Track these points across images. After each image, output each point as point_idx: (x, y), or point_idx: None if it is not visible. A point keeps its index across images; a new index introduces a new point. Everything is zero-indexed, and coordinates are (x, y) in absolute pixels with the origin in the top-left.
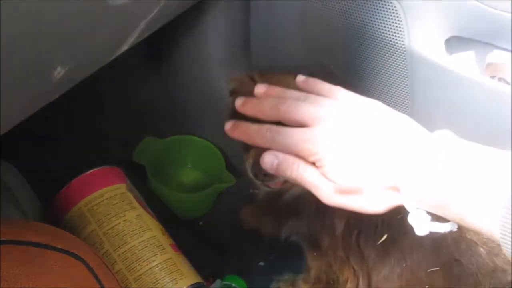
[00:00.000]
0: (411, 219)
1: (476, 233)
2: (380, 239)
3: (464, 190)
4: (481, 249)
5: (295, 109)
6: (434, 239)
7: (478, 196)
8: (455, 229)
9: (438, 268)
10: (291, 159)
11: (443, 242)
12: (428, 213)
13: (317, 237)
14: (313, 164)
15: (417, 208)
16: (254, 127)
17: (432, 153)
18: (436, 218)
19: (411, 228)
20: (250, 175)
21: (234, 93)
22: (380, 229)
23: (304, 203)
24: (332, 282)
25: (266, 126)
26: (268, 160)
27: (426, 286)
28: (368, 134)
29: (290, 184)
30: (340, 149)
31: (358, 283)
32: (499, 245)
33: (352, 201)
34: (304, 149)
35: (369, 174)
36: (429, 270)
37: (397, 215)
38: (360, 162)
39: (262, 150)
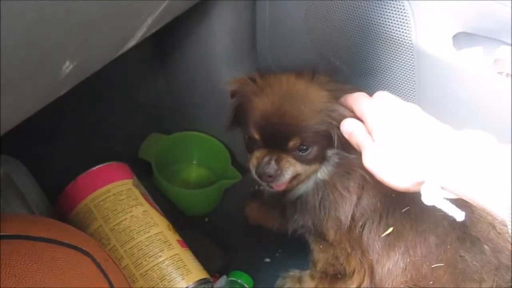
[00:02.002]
0: (423, 188)
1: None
2: (385, 232)
3: (479, 178)
4: (485, 246)
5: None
6: (438, 236)
7: (492, 182)
8: (460, 219)
9: (442, 264)
10: (361, 128)
11: (447, 238)
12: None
13: (322, 230)
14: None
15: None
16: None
17: (454, 146)
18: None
19: (415, 222)
20: (255, 176)
21: (235, 95)
22: (384, 222)
23: (308, 201)
24: (339, 276)
25: (365, 97)
26: (348, 125)
27: (431, 282)
28: (408, 124)
29: (295, 184)
30: (387, 128)
31: (365, 274)
32: (503, 241)
33: (383, 171)
34: (369, 117)
35: (400, 150)
36: (433, 266)
37: (402, 209)
38: (396, 139)
39: (265, 153)
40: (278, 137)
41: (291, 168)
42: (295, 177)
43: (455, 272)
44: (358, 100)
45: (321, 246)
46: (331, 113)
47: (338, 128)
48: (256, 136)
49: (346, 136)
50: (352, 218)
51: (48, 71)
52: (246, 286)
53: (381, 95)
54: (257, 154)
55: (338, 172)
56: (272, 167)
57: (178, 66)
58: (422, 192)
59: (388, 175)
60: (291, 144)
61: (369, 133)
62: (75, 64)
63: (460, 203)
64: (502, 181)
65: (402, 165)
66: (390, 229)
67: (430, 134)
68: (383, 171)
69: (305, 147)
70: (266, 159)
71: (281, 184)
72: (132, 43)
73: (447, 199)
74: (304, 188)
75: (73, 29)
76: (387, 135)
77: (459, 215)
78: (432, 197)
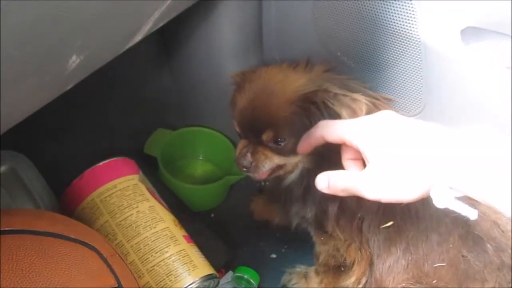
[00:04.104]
0: (433, 191)
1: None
2: (385, 225)
3: (481, 175)
4: (488, 245)
5: None
6: (440, 234)
7: (496, 180)
8: (473, 217)
9: (444, 264)
10: (336, 174)
11: (449, 237)
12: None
13: (322, 221)
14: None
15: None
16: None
17: (456, 145)
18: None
19: (416, 219)
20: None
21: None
22: (382, 214)
23: (294, 190)
24: (342, 269)
25: (334, 122)
26: (321, 181)
27: (434, 281)
28: (399, 134)
29: (282, 174)
30: (376, 136)
31: (365, 266)
32: (506, 239)
33: (388, 194)
34: (355, 139)
35: (403, 161)
36: (435, 265)
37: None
38: (394, 152)
39: (244, 144)
40: (253, 131)
41: (266, 161)
42: (281, 167)
43: (457, 272)
44: (329, 127)
45: (322, 238)
46: (303, 104)
47: (312, 117)
48: (237, 129)
49: (326, 191)
50: (349, 208)
51: (54, 65)
52: (252, 281)
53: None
54: (239, 145)
55: (322, 161)
56: (247, 160)
57: (184, 61)
58: (432, 196)
59: (397, 193)
60: (264, 137)
61: (360, 155)
62: (82, 58)
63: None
64: (507, 178)
65: (408, 176)
66: (390, 223)
67: (426, 138)
68: (390, 192)
69: (280, 139)
70: (244, 151)
71: (261, 174)
72: (138, 37)
73: (457, 197)
74: (293, 177)
75: (80, 23)
76: (383, 152)
77: (473, 214)
78: (444, 199)
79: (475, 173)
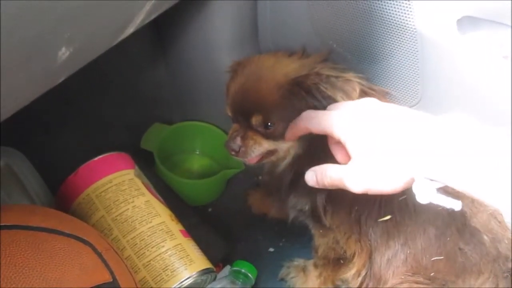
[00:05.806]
0: (415, 187)
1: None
2: (382, 218)
3: (469, 168)
4: (485, 237)
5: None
6: (438, 227)
7: (482, 174)
8: (457, 208)
9: (442, 258)
10: (321, 168)
11: (447, 230)
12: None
13: (319, 214)
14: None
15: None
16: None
17: (440, 135)
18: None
19: (415, 213)
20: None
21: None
22: (379, 207)
23: (286, 174)
24: (342, 261)
25: (317, 113)
26: (309, 176)
27: (432, 274)
28: (380, 123)
29: (274, 160)
30: (360, 129)
31: (365, 257)
32: (503, 230)
33: (372, 185)
34: (338, 130)
35: (383, 153)
36: (433, 259)
37: (399, 197)
38: (374, 137)
39: (236, 129)
40: (243, 115)
41: (255, 145)
42: (272, 152)
43: (455, 265)
44: (313, 118)
45: (321, 231)
46: (293, 88)
47: (302, 102)
48: (229, 113)
49: (316, 185)
50: (345, 200)
51: (42, 57)
52: (250, 275)
53: (334, 106)
54: (230, 130)
55: (311, 148)
56: (236, 143)
57: (180, 56)
58: (415, 192)
59: (380, 184)
60: (254, 120)
61: (343, 146)
62: (72, 50)
63: (457, 193)
64: (488, 168)
65: (390, 167)
66: (388, 217)
67: (408, 127)
68: (373, 184)
69: (269, 123)
70: (234, 135)
71: (250, 159)
72: (130, 29)
73: (440, 189)
74: (285, 164)
75: (67, 14)
76: (365, 144)
77: (457, 205)
78: (426, 194)
79: (458, 163)
